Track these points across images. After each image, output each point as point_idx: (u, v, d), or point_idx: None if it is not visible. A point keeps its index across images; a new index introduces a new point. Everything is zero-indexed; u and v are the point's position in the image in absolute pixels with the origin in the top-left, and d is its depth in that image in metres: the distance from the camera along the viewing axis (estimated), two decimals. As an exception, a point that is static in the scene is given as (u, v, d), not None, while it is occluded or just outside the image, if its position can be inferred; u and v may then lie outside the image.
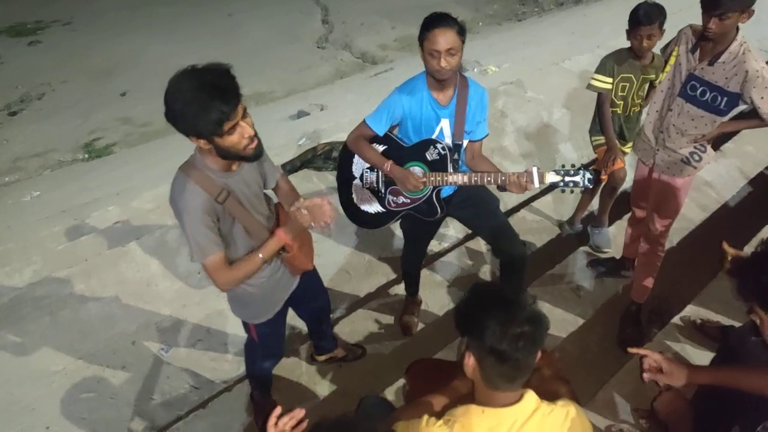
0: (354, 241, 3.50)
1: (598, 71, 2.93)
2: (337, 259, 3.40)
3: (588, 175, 2.23)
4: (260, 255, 1.83)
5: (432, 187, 2.34)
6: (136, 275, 3.29)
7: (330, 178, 3.96)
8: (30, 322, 3.03)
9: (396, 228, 3.45)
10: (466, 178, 2.28)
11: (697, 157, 2.44)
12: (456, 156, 2.30)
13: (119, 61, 8.17)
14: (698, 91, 2.30)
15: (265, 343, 2.25)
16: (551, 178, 2.24)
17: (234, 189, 1.76)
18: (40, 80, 7.86)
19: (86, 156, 6.75)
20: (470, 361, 1.40)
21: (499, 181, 2.25)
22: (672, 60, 2.39)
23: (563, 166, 2.26)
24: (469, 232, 3.52)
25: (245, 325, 2.18)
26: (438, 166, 2.30)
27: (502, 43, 7.17)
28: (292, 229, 1.86)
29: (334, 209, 1.84)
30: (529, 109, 4.70)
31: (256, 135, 1.66)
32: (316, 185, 3.95)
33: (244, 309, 2.11)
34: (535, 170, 2.21)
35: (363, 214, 2.53)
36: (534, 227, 3.55)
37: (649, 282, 2.70)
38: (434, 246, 3.48)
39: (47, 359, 2.85)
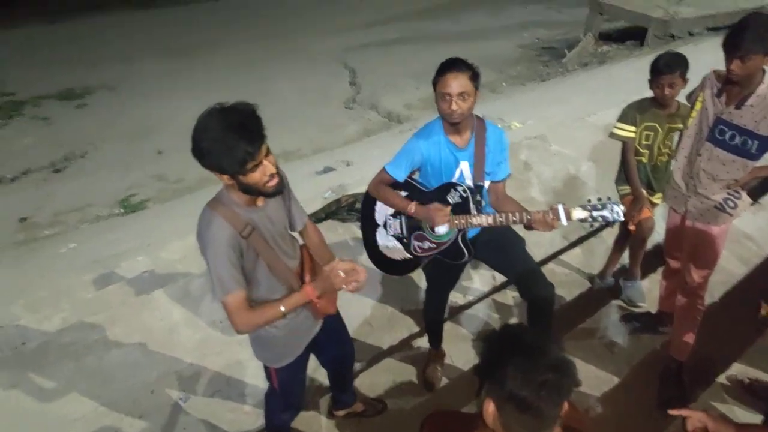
0: (376, 292, 3.46)
1: (620, 120, 2.93)
2: (358, 310, 3.35)
3: (617, 208, 2.16)
4: (282, 308, 1.81)
5: (457, 230, 2.31)
6: (160, 323, 3.29)
7: (354, 228, 3.97)
8: (55, 368, 3.04)
9: (419, 279, 3.40)
10: (490, 219, 2.25)
11: (731, 204, 2.37)
12: (478, 197, 2.29)
13: (157, 122, 8.54)
14: (727, 135, 2.26)
15: (285, 391, 2.20)
16: (578, 214, 2.18)
17: (258, 224, 1.79)
18: (84, 140, 8.21)
19: (122, 210, 6.95)
20: (490, 408, 1.32)
21: (525, 220, 2.21)
22: (698, 105, 2.37)
23: (589, 200, 2.21)
24: (496, 283, 3.45)
25: (266, 370, 2.15)
26: (461, 208, 2.28)
27: (526, 101, 7.27)
28: (322, 287, 1.85)
29: (366, 274, 1.84)
30: (554, 162, 4.69)
31: (278, 172, 1.71)
32: (341, 236, 3.96)
33: (266, 351, 2.08)
34: (560, 207, 2.17)
35: (389, 262, 2.52)
36: (563, 280, 3.45)
37: (689, 338, 2.56)
38: (459, 299, 3.41)
39: (68, 406, 2.84)
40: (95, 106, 9.15)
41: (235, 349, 3.10)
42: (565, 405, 1.31)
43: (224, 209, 1.73)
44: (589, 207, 2.20)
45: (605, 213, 2.19)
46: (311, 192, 4.92)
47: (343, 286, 1.82)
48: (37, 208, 6.74)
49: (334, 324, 2.23)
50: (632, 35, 10.31)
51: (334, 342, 2.29)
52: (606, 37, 10.56)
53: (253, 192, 1.71)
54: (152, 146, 8.04)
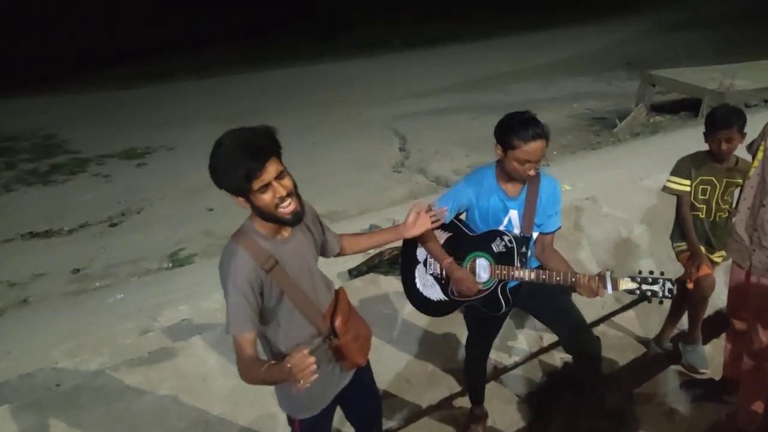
0: (416, 348, 3.31)
1: (673, 173, 2.81)
2: (397, 365, 3.20)
3: (669, 285, 2.02)
4: (261, 369, 1.57)
5: (497, 280, 2.20)
6: (194, 370, 3.23)
7: (395, 283, 3.87)
8: (85, 411, 2.99)
9: (462, 336, 3.24)
10: (533, 275, 2.14)
11: (800, 258, 2.18)
12: (524, 249, 2.18)
13: (209, 181, 8.82)
14: (792, 184, 2.11)
15: None
16: (626, 285, 2.06)
17: (283, 258, 1.71)
18: (141, 196, 8.57)
19: (170, 265, 7.10)
20: None
21: (569, 282, 2.09)
22: (760, 155, 2.24)
23: (640, 272, 2.08)
24: (543, 344, 3.25)
25: (289, 420, 2.02)
26: (504, 258, 2.18)
27: (576, 166, 7.18)
28: (278, 373, 1.53)
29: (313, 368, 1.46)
30: (605, 224, 4.52)
31: (292, 195, 1.64)
32: (382, 289, 3.87)
33: (289, 401, 1.95)
34: (608, 275, 2.05)
35: (425, 301, 2.42)
36: (616, 343, 3.23)
37: (758, 406, 2.30)
38: (504, 358, 3.22)
39: (94, 450, 2.77)
40: (154, 165, 9.62)
41: (268, 400, 2.97)
42: None
43: (247, 241, 1.67)
44: (639, 279, 2.07)
45: (655, 288, 2.05)
46: (355, 248, 4.91)
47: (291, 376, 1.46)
48: (91, 260, 6.96)
49: (362, 376, 2.09)
50: (686, 106, 10.18)
51: (360, 396, 2.14)
52: (658, 108, 10.47)
53: (268, 218, 1.65)
54: (203, 204, 8.30)
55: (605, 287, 2.04)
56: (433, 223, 2.06)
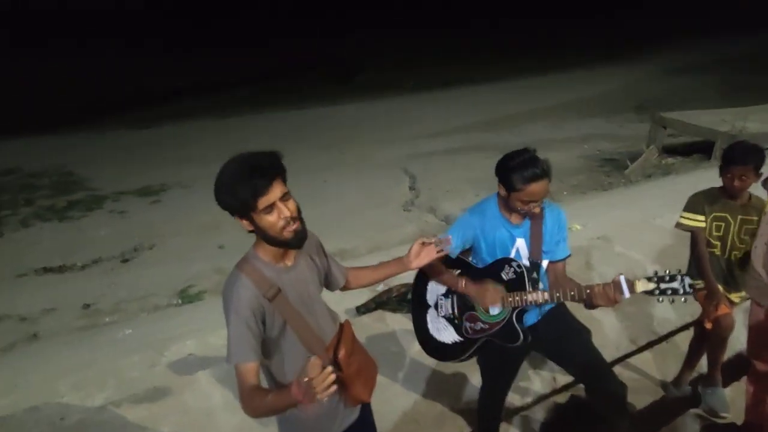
0: (424, 387, 3.23)
1: (686, 210, 2.78)
2: (404, 405, 3.12)
3: (688, 281, 1.95)
4: (268, 398, 1.56)
5: (511, 308, 2.16)
6: (198, 405, 3.18)
7: (403, 320, 3.82)
8: (89, 446, 2.95)
9: (473, 375, 3.17)
10: (546, 295, 2.10)
11: (821, 295, 2.12)
12: (535, 275, 2.15)
13: (222, 219, 8.87)
14: (810, 219, 2.07)
15: None
16: (643, 286, 2.00)
17: (286, 286, 1.69)
18: (155, 233, 8.63)
19: (180, 301, 7.08)
20: None
21: (584, 296, 2.04)
22: (776, 190, 2.21)
23: (656, 272, 2.02)
24: (556, 385, 3.16)
25: None
26: (515, 285, 2.14)
27: (588, 206, 7.13)
28: (304, 392, 1.44)
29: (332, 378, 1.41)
30: (618, 264, 4.45)
31: (298, 219, 1.64)
32: (390, 327, 3.81)
33: None
34: (622, 278, 2.00)
35: (439, 345, 2.35)
36: (632, 386, 3.04)
37: (782, 451, 2.20)
38: (516, 399, 3.13)
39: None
40: (168, 201, 9.72)
41: (272, 437, 2.91)
42: None
43: (250, 268, 1.67)
44: (655, 279, 2.01)
45: (675, 285, 1.98)
46: (364, 285, 4.87)
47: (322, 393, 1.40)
48: (101, 296, 6.96)
49: (366, 416, 2.04)
50: (698, 149, 10.17)
51: None
52: (670, 151, 10.46)
53: (272, 240, 1.64)
54: (215, 241, 8.33)
55: (622, 293, 1.98)
56: (438, 252, 2.04)
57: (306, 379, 1.39)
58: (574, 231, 5.48)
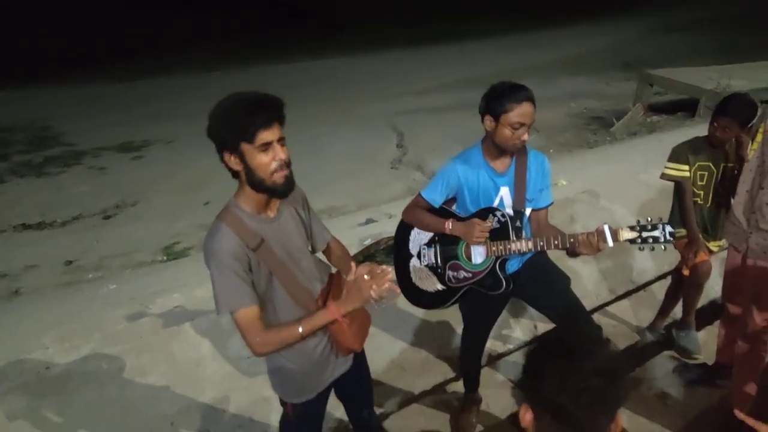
0: (411, 335, 3.29)
1: (671, 160, 2.79)
2: (391, 352, 3.18)
3: (669, 228, 1.99)
4: (300, 329, 1.64)
5: (495, 257, 2.18)
6: (187, 355, 3.20)
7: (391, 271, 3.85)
8: (75, 395, 2.96)
9: (457, 324, 3.22)
10: (530, 244, 2.11)
11: (797, 241, 2.16)
12: (518, 224, 2.16)
13: (207, 175, 8.79)
14: (791, 166, 2.10)
15: (301, 425, 2.01)
16: (626, 235, 2.03)
17: (269, 237, 1.65)
18: (137, 189, 8.51)
19: (165, 258, 7.05)
20: (527, 416, 1.15)
21: (568, 244, 2.06)
22: (759, 137, 2.23)
23: (639, 221, 2.05)
24: (537, 332, 3.23)
25: (282, 401, 1.98)
26: (499, 234, 2.15)
27: (574, 163, 7.16)
28: (349, 302, 1.67)
29: (393, 275, 1.68)
30: (603, 217, 4.50)
31: (289, 166, 1.60)
32: (377, 278, 3.85)
33: (283, 386, 1.91)
34: (606, 227, 2.02)
35: (423, 295, 2.37)
36: (609, 332, 3.21)
37: (751, 389, 2.28)
38: (498, 347, 3.21)
39: (83, 434, 2.73)
40: (151, 158, 9.56)
41: (261, 385, 2.95)
42: (618, 421, 1.13)
43: (232, 218, 1.61)
44: (638, 227, 2.05)
45: (656, 233, 2.02)
46: (351, 239, 4.87)
47: (373, 294, 1.61)
48: (84, 252, 6.90)
49: (359, 362, 2.06)
50: (683, 107, 10.19)
51: (353, 380, 2.08)
52: (656, 109, 10.47)
53: (259, 184, 1.58)
54: (201, 198, 8.25)
55: (605, 241, 2.01)
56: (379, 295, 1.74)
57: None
58: (560, 186, 5.51)
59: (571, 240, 2.05)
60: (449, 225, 2.19)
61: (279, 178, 1.58)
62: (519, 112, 2.00)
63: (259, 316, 1.63)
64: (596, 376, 1.06)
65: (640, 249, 2.06)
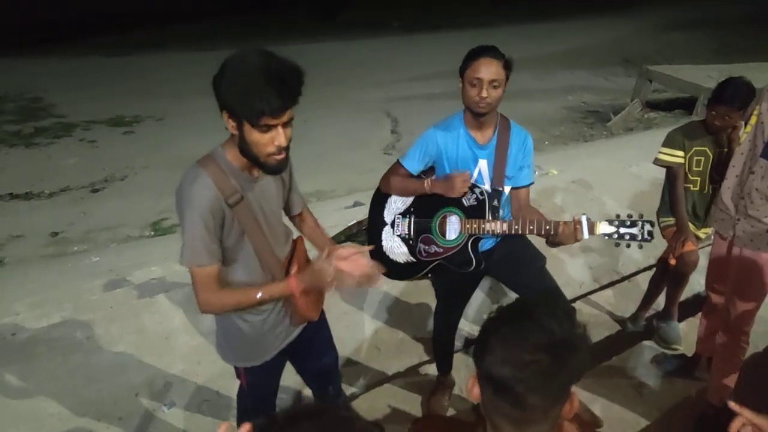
0: (387, 316, 3.23)
1: (665, 145, 2.71)
2: (367, 332, 3.12)
3: (648, 227, 1.94)
4: (258, 295, 1.58)
5: (467, 235, 2.10)
6: (157, 327, 3.14)
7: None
8: (40, 362, 2.90)
9: (434, 305, 3.16)
10: (505, 226, 2.03)
11: (786, 228, 2.09)
12: (495, 203, 2.08)
13: (197, 153, 8.62)
14: (785, 151, 2.02)
15: (255, 395, 1.94)
16: (603, 228, 1.96)
17: (249, 196, 1.58)
18: (126, 164, 8.41)
19: (152, 233, 6.97)
20: (475, 389, 1.07)
21: (543, 231, 1.99)
22: (753, 119, 2.15)
23: (618, 215, 1.99)
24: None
25: (237, 373, 1.90)
26: (475, 212, 2.08)
27: (567, 155, 7.10)
28: (309, 280, 1.60)
29: (373, 268, 1.62)
30: (591, 207, 4.44)
31: (287, 150, 1.50)
32: (357, 257, 3.78)
33: (230, 348, 1.82)
34: (584, 218, 1.95)
35: (392, 264, 2.29)
36: (591, 321, 3.15)
37: (730, 381, 2.22)
38: (475, 330, 3.14)
39: (46, 401, 2.66)
40: (142, 133, 9.44)
41: (230, 359, 2.89)
42: (574, 400, 1.04)
43: (214, 168, 1.51)
44: (616, 222, 1.98)
45: (634, 231, 1.96)
46: (336, 220, 4.80)
47: (336, 284, 1.56)
48: (70, 224, 6.83)
49: (316, 333, 1.95)
50: (681, 105, 10.12)
51: (314, 351, 2.00)
52: (654, 106, 10.41)
53: (250, 155, 1.49)
54: (189, 175, 8.17)
55: (581, 232, 1.94)
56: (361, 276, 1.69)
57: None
58: (550, 175, 5.45)
59: (547, 227, 1.98)
60: (428, 183, 2.12)
61: (272, 160, 1.49)
62: (475, 67, 1.93)
63: (218, 275, 1.56)
64: (544, 350, 0.96)
65: (616, 245, 1.99)
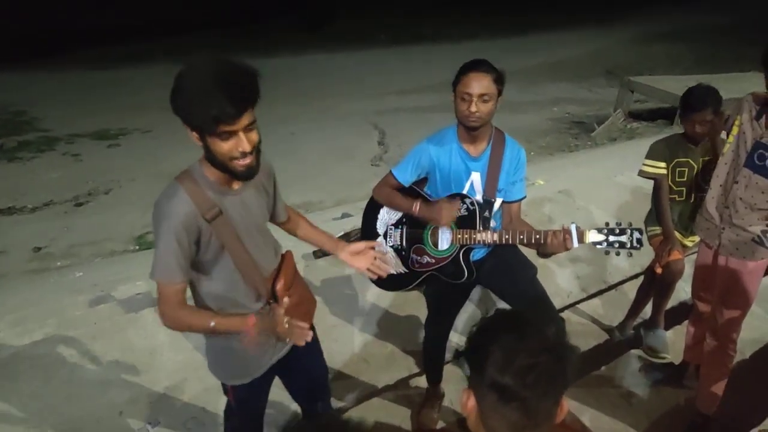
0: (376, 329, 3.22)
1: (648, 157, 2.74)
2: (355, 345, 3.10)
3: (637, 235, 1.95)
4: (212, 323, 1.57)
5: (459, 246, 2.10)
6: (143, 342, 3.09)
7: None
8: (22, 380, 2.84)
9: (424, 317, 3.15)
10: (496, 236, 2.04)
11: (770, 237, 2.12)
12: (487, 213, 2.09)
13: (185, 166, 8.65)
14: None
15: (243, 412, 1.92)
16: (593, 237, 1.97)
17: (229, 210, 1.56)
18: (110, 177, 8.32)
19: (136, 247, 6.89)
20: (470, 402, 1.07)
21: (534, 240, 2.00)
22: (735, 130, 2.18)
23: (607, 223, 2.00)
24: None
25: (224, 389, 1.88)
26: (466, 222, 2.09)
27: (552, 165, 7.15)
28: (266, 325, 1.61)
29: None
30: (578, 217, 4.47)
31: (254, 152, 1.47)
32: (346, 271, 3.76)
33: (224, 367, 1.80)
34: (573, 227, 1.96)
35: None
36: (579, 330, 3.16)
37: (718, 388, 2.23)
38: (462, 341, 3.13)
39: (27, 421, 2.60)
40: (127, 146, 9.36)
41: (217, 375, 2.85)
42: (564, 405, 1.06)
43: (191, 184, 1.50)
44: (605, 231, 1.99)
45: (623, 239, 1.97)
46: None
47: (285, 335, 1.60)
48: (53, 239, 6.72)
49: (305, 348, 1.84)
50: (663, 114, 10.27)
51: (302, 365, 1.96)
52: (636, 116, 10.56)
53: (219, 166, 1.47)
54: (175, 188, 8.10)
55: (571, 240, 1.95)
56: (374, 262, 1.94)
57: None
58: (537, 186, 5.49)
59: (537, 236, 1.99)
60: (417, 206, 2.12)
61: (239, 166, 1.46)
62: (465, 81, 1.96)
63: (183, 293, 1.56)
64: (544, 354, 0.99)
65: (605, 253, 2.01)
